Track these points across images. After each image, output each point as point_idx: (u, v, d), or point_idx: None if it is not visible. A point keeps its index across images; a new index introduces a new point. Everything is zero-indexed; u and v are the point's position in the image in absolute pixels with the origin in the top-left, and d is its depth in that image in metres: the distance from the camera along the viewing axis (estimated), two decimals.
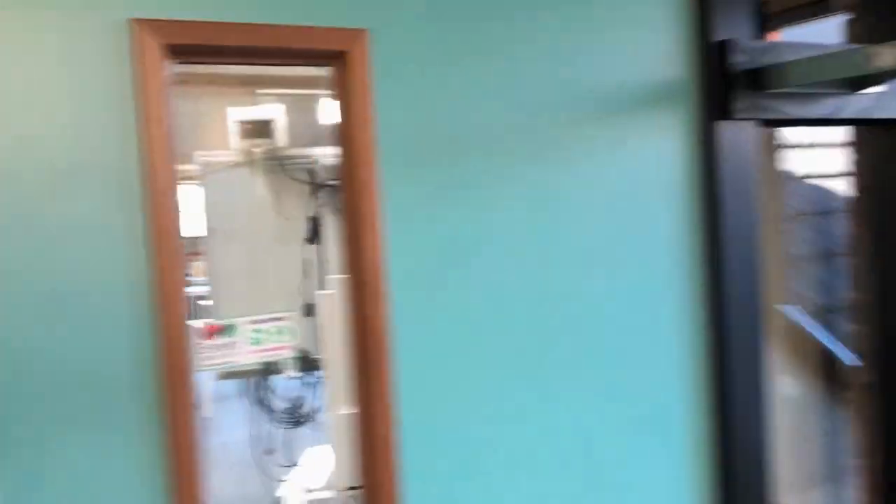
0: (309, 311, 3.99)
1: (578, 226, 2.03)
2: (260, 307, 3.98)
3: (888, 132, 2.50)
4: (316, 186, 4.08)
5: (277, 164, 4.03)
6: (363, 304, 1.87)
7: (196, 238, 3.94)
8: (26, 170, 1.52)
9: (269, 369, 3.97)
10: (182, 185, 1.61)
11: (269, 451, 4.39)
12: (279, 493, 4.37)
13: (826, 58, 2.00)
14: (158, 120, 1.59)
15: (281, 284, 4.04)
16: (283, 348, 3.93)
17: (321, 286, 3.92)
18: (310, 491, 3.69)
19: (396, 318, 1.86)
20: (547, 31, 1.97)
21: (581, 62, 2.01)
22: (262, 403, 4.23)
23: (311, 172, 4.10)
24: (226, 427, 5.28)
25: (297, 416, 4.26)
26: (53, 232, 1.54)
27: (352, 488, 2.79)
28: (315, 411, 4.24)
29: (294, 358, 3.96)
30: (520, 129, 1.95)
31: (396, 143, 1.83)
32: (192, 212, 3.76)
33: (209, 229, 4.09)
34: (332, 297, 3.06)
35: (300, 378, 4.13)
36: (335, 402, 3.07)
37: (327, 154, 4.04)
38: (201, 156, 3.99)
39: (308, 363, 4.09)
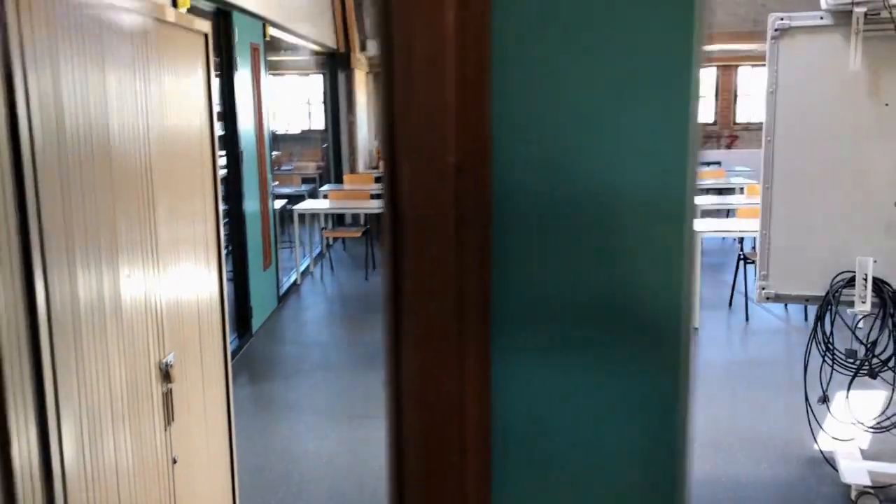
0: None
1: None
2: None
3: None
4: None
5: (882, 28, 3.24)
6: None
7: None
8: None
9: (835, 299, 3.31)
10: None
11: (823, 399, 3.65)
12: (825, 446, 3.80)
13: None
14: None
15: (871, 193, 3.33)
16: None
17: None
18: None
19: None
20: None
21: None
22: (821, 339, 3.43)
23: None
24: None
25: (863, 364, 3.44)
26: None
27: None
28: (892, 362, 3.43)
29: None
30: None
31: None
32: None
33: (774, 117, 3.40)
34: None
35: (879, 315, 3.33)
36: None
37: None
38: (778, 19, 3.38)
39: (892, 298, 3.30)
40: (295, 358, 5.56)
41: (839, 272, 3.48)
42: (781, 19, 3.41)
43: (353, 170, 11.14)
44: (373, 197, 8.60)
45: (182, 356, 2.13)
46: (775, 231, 3.57)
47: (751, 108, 13.90)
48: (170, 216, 2.06)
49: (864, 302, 3.44)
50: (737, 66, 13.65)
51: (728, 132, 13.88)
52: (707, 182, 9.77)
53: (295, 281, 7.77)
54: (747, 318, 6.34)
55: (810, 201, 3.50)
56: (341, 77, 10.95)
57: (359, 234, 8.33)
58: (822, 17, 3.36)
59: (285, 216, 8.21)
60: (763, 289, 3.64)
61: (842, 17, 3.32)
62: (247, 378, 5.11)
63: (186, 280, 2.19)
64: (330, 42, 10.25)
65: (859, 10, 3.25)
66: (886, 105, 3.35)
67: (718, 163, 12.83)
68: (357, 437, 4.20)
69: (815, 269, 3.54)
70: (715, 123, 13.90)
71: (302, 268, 8.15)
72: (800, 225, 3.53)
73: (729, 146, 13.87)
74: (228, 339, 2.55)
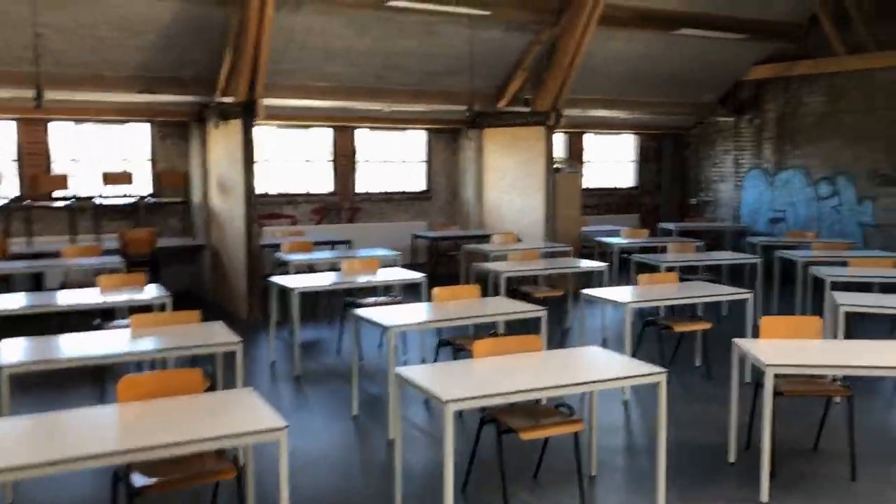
0: None
1: None
2: None
3: None
4: None
5: None
6: None
7: None
8: None
9: None
10: None
11: None
12: None
13: None
14: None
15: None
16: None
17: None
18: None
19: None
20: None
21: None
22: None
23: None
24: None
25: None
26: None
27: None
28: None
29: None
30: None
31: None
32: None
33: None
34: None
35: None
36: None
37: None
38: None
39: None
40: None
41: None
42: None
43: None
44: None
45: None
46: None
47: (371, 176, 12.06)
48: None
49: None
50: (354, 129, 11.71)
51: (349, 203, 11.85)
52: (364, 279, 7.22)
53: None
54: None
55: None
56: None
57: None
58: None
59: None
60: None
61: None
62: None
63: None
64: None
65: None
66: None
67: (348, 241, 10.62)
68: None
69: None
70: (335, 194, 11.75)
71: None
72: None
73: (350, 220, 11.84)
74: None
